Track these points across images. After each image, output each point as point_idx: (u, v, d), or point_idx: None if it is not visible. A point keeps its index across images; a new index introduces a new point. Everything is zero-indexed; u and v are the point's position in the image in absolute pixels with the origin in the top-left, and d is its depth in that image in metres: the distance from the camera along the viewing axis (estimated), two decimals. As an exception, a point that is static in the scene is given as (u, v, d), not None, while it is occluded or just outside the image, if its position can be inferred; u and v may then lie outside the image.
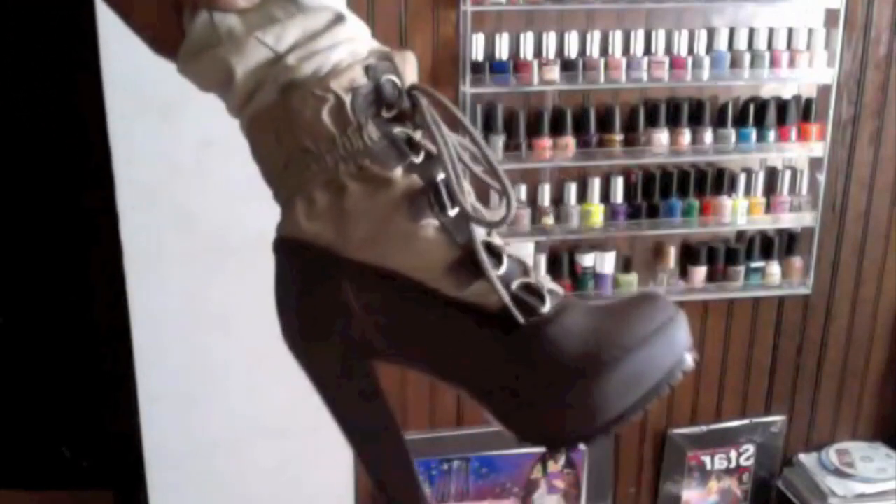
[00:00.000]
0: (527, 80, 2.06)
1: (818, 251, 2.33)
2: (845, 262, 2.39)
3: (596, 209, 2.17)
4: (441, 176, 0.49)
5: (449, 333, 0.48)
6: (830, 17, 2.18)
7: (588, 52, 2.09)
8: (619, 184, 2.18)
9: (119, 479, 2.39)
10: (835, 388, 2.51)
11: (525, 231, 2.15)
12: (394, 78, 0.51)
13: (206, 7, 0.51)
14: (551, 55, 2.07)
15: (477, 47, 2.04)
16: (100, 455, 2.50)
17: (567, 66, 2.07)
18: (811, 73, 2.19)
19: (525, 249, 2.16)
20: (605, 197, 2.19)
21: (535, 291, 0.48)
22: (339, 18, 0.52)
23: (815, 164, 2.27)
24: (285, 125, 0.50)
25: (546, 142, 2.10)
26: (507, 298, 0.47)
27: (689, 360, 0.47)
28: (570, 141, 2.11)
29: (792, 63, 2.17)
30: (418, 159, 0.50)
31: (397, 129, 0.50)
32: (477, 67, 2.04)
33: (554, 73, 2.06)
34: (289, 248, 0.51)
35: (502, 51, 2.06)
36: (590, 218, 2.17)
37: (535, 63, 2.06)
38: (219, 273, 1.87)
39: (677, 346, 0.47)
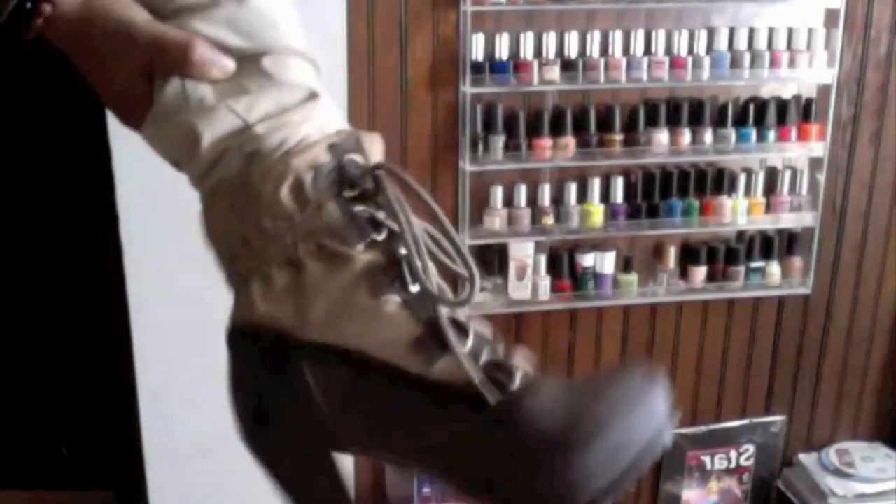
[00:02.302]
0: (527, 80, 2.06)
1: (818, 251, 2.33)
2: (845, 262, 2.39)
3: (596, 209, 2.17)
4: (403, 252, 0.48)
5: (416, 415, 0.46)
6: (830, 17, 2.18)
7: (588, 52, 2.09)
8: (619, 184, 2.18)
9: (119, 479, 2.38)
10: (835, 388, 2.51)
11: (525, 231, 2.15)
12: (357, 157, 0.50)
13: (180, 75, 0.51)
14: (551, 55, 2.07)
15: (477, 47, 2.04)
16: (100, 455, 2.50)
17: (567, 66, 2.07)
18: (811, 73, 2.19)
19: (524, 250, 2.17)
20: (605, 197, 2.19)
21: (505, 368, 0.46)
22: (312, 96, 0.52)
23: (815, 164, 2.27)
24: (244, 201, 0.49)
25: (546, 142, 2.10)
26: (475, 376, 0.45)
27: (668, 435, 0.45)
28: (570, 141, 2.11)
29: (792, 63, 2.16)
30: (380, 237, 0.49)
31: (359, 208, 0.49)
32: (477, 67, 2.04)
33: (554, 73, 2.06)
34: (243, 336, 0.50)
35: (502, 51, 2.05)
36: (590, 218, 2.17)
37: (535, 63, 2.05)
38: (219, 273, 1.87)
39: (655, 417, 0.45)
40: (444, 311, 0.47)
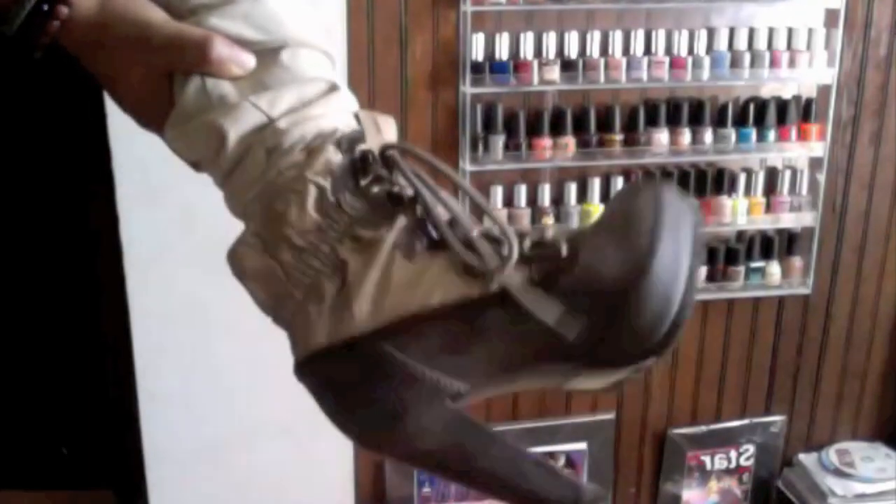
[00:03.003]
0: (527, 80, 2.06)
1: (818, 251, 2.33)
2: (845, 262, 2.39)
3: (596, 209, 2.17)
4: (421, 210, 0.49)
5: (502, 326, 0.47)
6: (830, 17, 2.18)
7: (588, 52, 2.09)
8: (619, 184, 2.18)
9: (119, 479, 2.39)
10: (835, 388, 2.51)
11: (525, 231, 2.15)
12: (366, 146, 0.50)
13: (199, 73, 0.51)
14: (551, 55, 2.07)
15: (477, 47, 2.04)
16: (100, 455, 2.50)
17: (567, 66, 2.07)
18: (811, 73, 2.19)
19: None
20: (605, 197, 2.19)
21: (547, 244, 0.48)
22: (332, 88, 0.52)
23: (815, 164, 2.27)
24: (274, 232, 0.49)
25: (546, 142, 2.10)
26: (524, 274, 0.47)
27: (699, 215, 0.47)
28: (570, 141, 2.11)
29: (792, 63, 2.17)
30: (403, 207, 0.49)
31: (375, 189, 0.49)
32: (477, 67, 2.04)
33: (554, 73, 2.06)
34: (314, 366, 0.49)
35: (502, 51, 2.05)
36: (590, 218, 2.17)
37: (535, 63, 2.06)
38: (219, 273, 1.87)
39: (683, 206, 0.47)
40: (475, 232, 0.48)
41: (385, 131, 0.52)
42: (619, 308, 0.45)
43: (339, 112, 0.52)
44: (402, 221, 0.49)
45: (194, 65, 0.51)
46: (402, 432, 0.48)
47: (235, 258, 0.51)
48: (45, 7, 0.50)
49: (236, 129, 0.50)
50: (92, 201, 2.09)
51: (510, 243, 0.47)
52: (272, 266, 0.50)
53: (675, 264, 0.45)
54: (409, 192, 0.49)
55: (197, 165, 0.53)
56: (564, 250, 0.47)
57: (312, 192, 0.49)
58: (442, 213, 0.49)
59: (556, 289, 0.46)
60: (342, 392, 0.49)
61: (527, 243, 0.48)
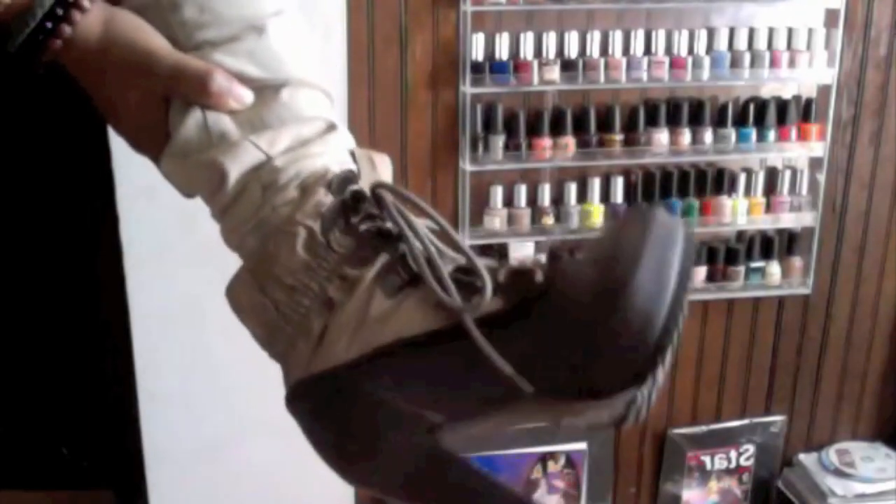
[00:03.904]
0: (527, 80, 2.06)
1: (818, 251, 2.33)
2: (845, 262, 2.39)
3: (596, 209, 2.17)
4: (404, 246, 0.49)
5: (468, 361, 0.46)
6: (830, 17, 2.18)
7: (588, 52, 2.09)
8: (619, 184, 2.18)
9: (119, 479, 2.38)
10: (835, 388, 2.51)
11: (525, 231, 2.15)
12: (356, 187, 0.51)
13: (198, 104, 0.51)
14: (551, 55, 2.07)
15: (477, 47, 2.04)
16: (100, 455, 2.50)
17: (567, 66, 2.07)
18: (811, 73, 2.19)
19: (524, 250, 2.16)
20: (605, 197, 2.19)
21: (523, 272, 0.47)
22: (330, 128, 0.53)
23: (815, 164, 2.27)
24: (265, 270, 0.50)
25: (546, 142, 2.10)
26: (502, 299, 0.46)
27: (690, 231, 0.45)
28: (570, 141, 2.11)
29: (792, 63, 2.16)
30: (387, 244, 0.50)
31: (364, 227, 0.50)
32: (477, 67, 2.04)
33: (554, 73, 2.06)
34: (299, 399, 0.51)
35: (502, 51, 2.05)
36: (590, 218, 2.17)
37: (535, 63, 2.05)
38: (219, 273, 1.87)
39: (670, 223, 0.44)
40: (450, 267, 0.48)
41: (380, 169, 0.53)
42: (594, 335, 0.43)
43: (337, 150, 0.53)
44: (383, 258, 0.49)
45: (194, 95, 0.51)
46: (382, 462, 0.49)
47: (232, 294, 0.53)
48: (49, 25, 0.50)
49: (237, 168, 0.51)
50: (92, 201, 2.09)
51: (482, 278, 0.47)
52: (265, 303, 0.51)
53: (658, 289, 0.43)
54: (394, 228, 0.50)
55: (190, 195, 0.54)
56: (540, 277, 0.46)
57: (302, 234, 0.50)
58: (420, 250, 0.49)
59: (528, 319, 0.45)
60: (324, 424, 0.50)
61: (502, 274, 0.47)
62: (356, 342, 0.48)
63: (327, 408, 0.50)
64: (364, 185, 0.52)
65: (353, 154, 0.54)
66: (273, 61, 0.53)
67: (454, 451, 0.49)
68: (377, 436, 0.48)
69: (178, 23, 0.53)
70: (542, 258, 0.49)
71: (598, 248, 0.46)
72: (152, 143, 0.53)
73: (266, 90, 0.53)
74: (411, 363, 0.47)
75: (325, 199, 0.50)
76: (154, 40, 0.53)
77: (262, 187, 0.51)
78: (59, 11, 0.51)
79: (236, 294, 0.52)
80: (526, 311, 0.45)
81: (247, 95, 0.52)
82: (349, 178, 0.52)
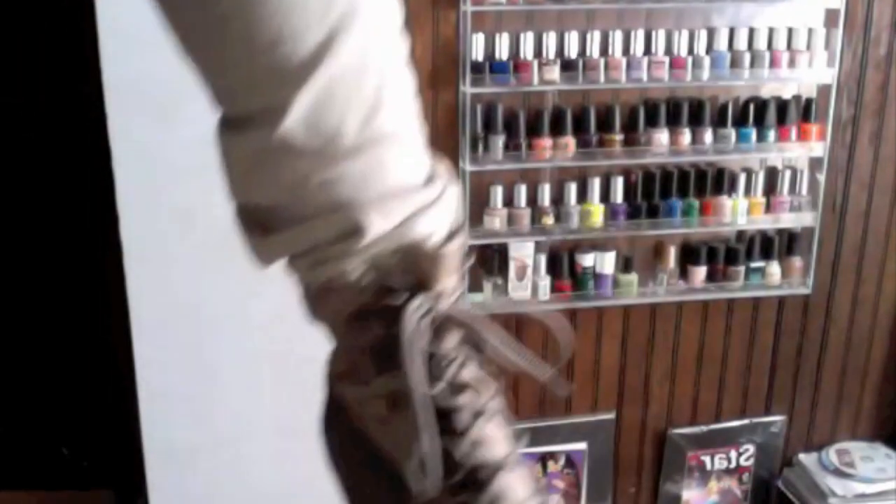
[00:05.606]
0: (527, 80, 2.06)
1: (818, 251, 2.33)
2: (845, 262, 2.39)
3: (596, 209, 2.17)
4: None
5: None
6: (830, 17, 2.18)
7: (588, 52, 2.09)
8: (619, 184, 2.18)
9: (119, 479, 2.39)
10: (835, 388, 2.51)
11: (525, 231, 2.15)
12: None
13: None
14: (551, 55, 2.07)
15: (477, 47, 2.04)
16: (100, 455, 2.50)
17: (567, 66, 2.07)
18: (811, 73, 2.19)
19: (524, 250, 2.17)
20: (605, 197, 2.19)
21: (483, 466, 0.51)
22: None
23: (815, 164, 2.27)
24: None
25: (546, 142, 2.10)
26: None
27: None
28: (570, 141, 2.11)
29: (792, 63, 2.16)
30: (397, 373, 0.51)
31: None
32: (477, 67, 2.04)
33: (554, 73, 2.06)
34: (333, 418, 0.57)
35: (502, 51, 2.05)
36: (590, 218, 2.17)
37: (535, 63, 2.06)
38: (219, 273, 1.87)
39: None
40: (424, 450, 0.51)
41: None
42: None
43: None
44: (393, 384, 0.52)
45: None
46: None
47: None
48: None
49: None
50: (92, 201, 2.09)
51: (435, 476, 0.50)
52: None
53: None
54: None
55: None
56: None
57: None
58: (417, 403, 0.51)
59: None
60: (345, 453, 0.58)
61: (458, 477, 0.50)
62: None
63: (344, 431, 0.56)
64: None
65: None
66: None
67: None
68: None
69: None
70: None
71: None
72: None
73: None
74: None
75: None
76: None
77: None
78: None
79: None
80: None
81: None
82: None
